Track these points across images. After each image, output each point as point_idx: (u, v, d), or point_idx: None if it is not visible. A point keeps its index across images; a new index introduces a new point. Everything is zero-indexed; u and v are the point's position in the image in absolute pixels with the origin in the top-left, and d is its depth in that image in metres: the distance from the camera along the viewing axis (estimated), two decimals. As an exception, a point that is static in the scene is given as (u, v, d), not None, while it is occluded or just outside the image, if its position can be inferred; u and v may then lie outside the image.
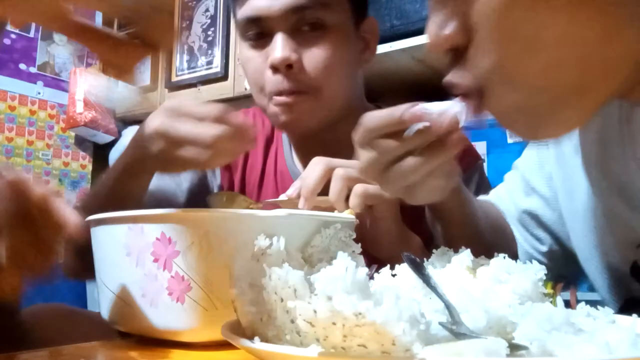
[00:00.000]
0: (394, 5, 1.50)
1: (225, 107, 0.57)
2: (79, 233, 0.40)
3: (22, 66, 2.23)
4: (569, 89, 0.40)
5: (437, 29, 0.42)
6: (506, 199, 0.74)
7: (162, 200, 0.78)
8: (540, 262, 0.70)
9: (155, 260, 0.44)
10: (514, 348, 0.28)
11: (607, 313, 0.34)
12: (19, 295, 0.40)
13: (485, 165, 1.42)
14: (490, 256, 0.41)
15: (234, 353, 0.41)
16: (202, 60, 2.10)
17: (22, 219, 0.38)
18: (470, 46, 0.41)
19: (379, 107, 0.90)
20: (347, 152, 0.61)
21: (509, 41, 0.39)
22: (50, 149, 2.30)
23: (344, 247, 0.47)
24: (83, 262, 0.52)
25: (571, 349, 0.28)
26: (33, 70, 2.26)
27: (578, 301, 0.36)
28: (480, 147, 1.46)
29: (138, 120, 2.26)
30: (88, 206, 0.68)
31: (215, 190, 0.88)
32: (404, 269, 0.40)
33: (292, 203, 0.59)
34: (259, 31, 0.76)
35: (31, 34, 2.25)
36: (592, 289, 1.21)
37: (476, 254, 0.42)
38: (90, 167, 2.44)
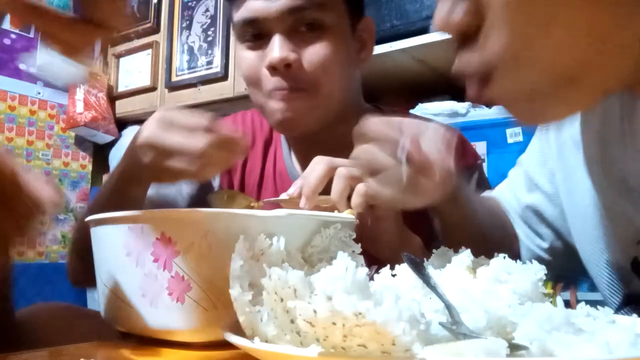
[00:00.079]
0: (394, 5, 1.50)
1: (215, 118, 0.58)
2: (54, 206, 0.40)
3: (22, 66, 2.23)
4: (576, 72, 0.40)
5: (447, 12, 0.42)
6: (509, 194, 0.74)
7: (162, 206, 0.79)
8: (542, 258, 0.71)
9: (155, 260, 0.44)
10: (514, 348, 0.28)
11: (607, 313, 0.34)
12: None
13: (485, 165, 1.42)
14: (493, 253, 0.41)
15: (234, 353, 0.41)
16: (202, 60, 2.10)
17: None
18: (482, 28, 0.41)
19: (377, 107, 0.91)
20: (345, 152, 0.61)
21: (522, 22, 0.39)
22: (50, 149, 2.30)
23: (344, 247, 0.47)
24: (87, 269, 0.52)
25: (571, 349, 0.28)
26: (33, 70, 2.26)
27: (578, 301, 0.36)
28: (480, 147, 1.45)
29: (138, 120, 2.26)
30: (91, 212, 0.69)
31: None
32: (404, 269, 0.40)
33: (293, 202, 0.59)
34: (256, 32, 0.76)
35: (31, 34, 2.25)
36: (592, 288, 1.21)
37: (478, 252, 0.42)
38: (90, 167, 2.45)
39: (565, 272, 0.72)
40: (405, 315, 0.25)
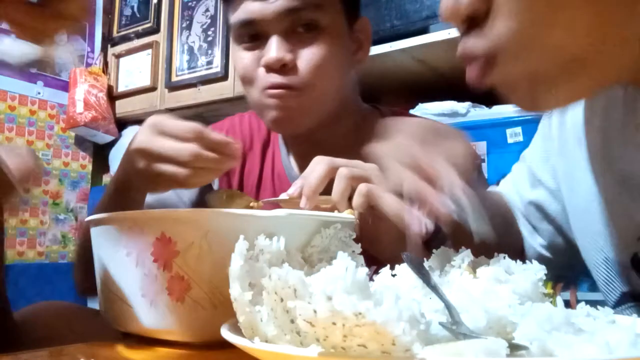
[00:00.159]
0: (394, 5, 1.50)
1: (205, 125, 0.59)
2: (26, 179, 0.41)
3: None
4: (581, 58, 0.41)
5: (454, 1, 0.42)
6: (512, 190, 0.74)
7: None
8: (542, 255, 0.71)
9: (155, 260, 0.44)
10: (514, 348, 0.28)
11: (607, 313, 0.34)
12: None
13: (485, 165, 1.42)
14: (499, 250, 0.41)
15: (234, 353, 0.41)
16: (202, 60, 2.10)
17: None
18: (489, 13, 0.41)
19: (375, 107, 0.91)
20: (341, 152, 0.61)
21: (529, 7, 0.40)
22: (50, 149, 2.30)
23: (344, 247, 0.47)
24: (93, 279, 0.53)
25: (571, 349, 0.28)
26: (33, 70, 2.26)
27: (578, 301, 0.36)
28: (480, 147, 1.45)
29: (138, 120, 2.26)
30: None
31: None
32: (404, 269, 0.40)
33: (293, 202, 0.58)
34: (253, 34, 0.76)
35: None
36: (592, 288, 1.21)
37: (483, 250, 0.42)
38: (90, 167, 2.45)
39: (565, 269, 0.72)
40: (405, 315, 0.25)
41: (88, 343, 0.49)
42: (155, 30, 2.29)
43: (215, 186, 0.89)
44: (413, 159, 0.48)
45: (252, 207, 0.65)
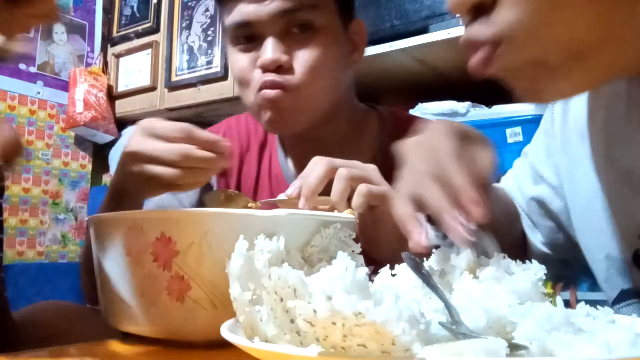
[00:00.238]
0: (394, 5, 1.50)
1: (205, 126, 0.59)
2: (10, 155, 0.41)
3: (22, 66, 2.23)
4: (587, 48, 0.41)
5: None
6: (514, 186, 0.74)
7: None
8: (542, 252, 0.70)
9: (155, 260, 0.44)
10: (514, 348, 0.28)
11: (607, 313, 0.34)
12: None
13: (485, 165, 1.42)
14: (505, 246, 0.41)
15: (234, 353, 0.41)
16: (202, 60, 2.10)
17: None
18: (497, 0, 0.41)
19: (372, 107, 0.91)
20: (337, 152, 0.61)
21: None
22: (50, 149, 2.30)
23: (344, 247, 0.47)
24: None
25: (571, 349, 0.28)
26: (33, 70, 2.26)
27: (578, 301, 0.36)
28: (480, 147, 1.45)
29: (138, 120, 2.26)
30: None
31: None
32: (404, 269, 0.40)
33: (292, 203, 0.58)
34: (249, 35, 0.77)
35: (31, 34, 2.25)
36: (592, 288, 1.21)
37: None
38: (90, 167, 2.45)
39: (565, 267, 0.71)
40: (405, 315, 0.25)
41: (88, 343, 0.49)
42: (155, 30, 2.29)
43: (214, 188, 0.89)
44: (440, 166, 0.45)
45: (250, 208, 0.65)
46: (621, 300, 0.58)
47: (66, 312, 0.79)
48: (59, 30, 2.36)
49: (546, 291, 0.38)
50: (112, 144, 2.36)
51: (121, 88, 2.36)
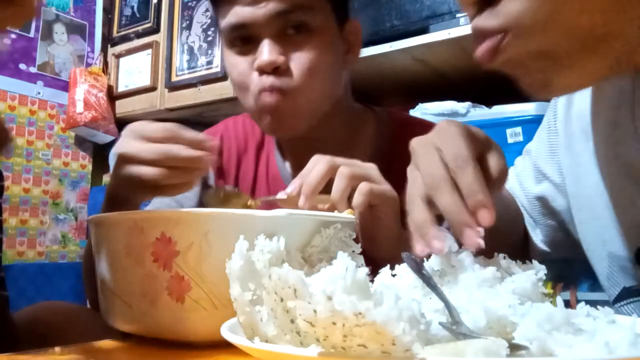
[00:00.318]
0: (394, 5, 1.50)
1: (204, 127, 0.58)
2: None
3: (22, 66, 2.23)
4: (594, 38, 0.40)
5: None
6: (515, 184, 0.74)
7: None
8: (542, 251, 0.70)
9: (155, 260, 0.44)
10: (514, 348, 0.28)
11: (607, 313, 0.34)
12: None
13: (485, 165, 1.42)
14: (506, 245, 0.40)
15: (234, 353, 0.41)
16: (202, 60, 2.10)
17: None
18: None
19: (368, 106, 0.91)
20: (333, 151, 0.61)
21: None
22: (50, 149, 2.30)
23: (344, 247, 0.47)
24: None
25: (571, 349, 0.28)
26: (33, 70, 2.26)
27: (578, 301, 0.36)
28: (480, 147, 1.45)
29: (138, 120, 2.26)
30: None
31: None
32: (404, 269, 0.40)
33: (291, 201, 0.58)
34: (244, 37, 0.77)
35: (31, 34, 2.25)
36: (592, 288, 1.21)
37: (490, 244, 0.42)
38: (90, 167, 2.45)
39: (564, 266, 0.71)
40: (405, 315, 0.25)
41: (88, 343, 0.49)
42: (155, 30, 2.29)
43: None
44: (452, 167, 0.43)
45: (249, 206, 0.65)
46: (623, 297, 0.58)
47: (66, 312, 0.79)
48: (59, 30, 2.36)
49: (546, 291, 0.38)
50: (112, 144, 2.36)
51: (121, 88, 2.36)
